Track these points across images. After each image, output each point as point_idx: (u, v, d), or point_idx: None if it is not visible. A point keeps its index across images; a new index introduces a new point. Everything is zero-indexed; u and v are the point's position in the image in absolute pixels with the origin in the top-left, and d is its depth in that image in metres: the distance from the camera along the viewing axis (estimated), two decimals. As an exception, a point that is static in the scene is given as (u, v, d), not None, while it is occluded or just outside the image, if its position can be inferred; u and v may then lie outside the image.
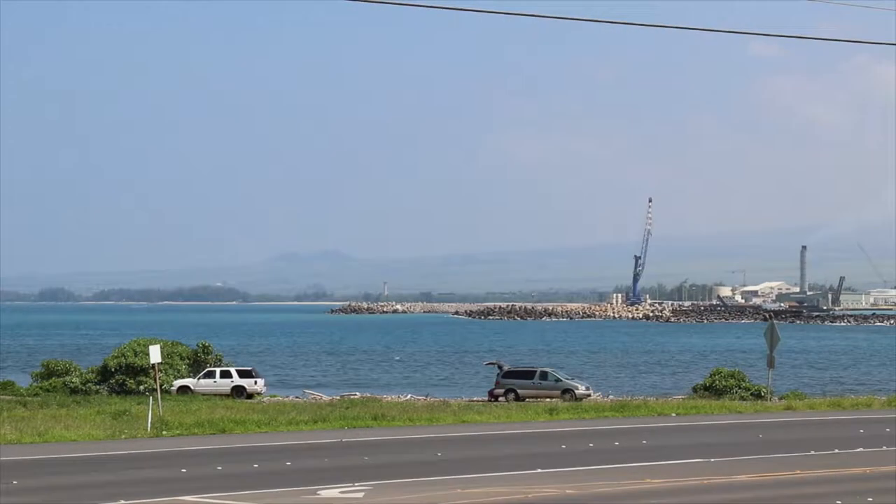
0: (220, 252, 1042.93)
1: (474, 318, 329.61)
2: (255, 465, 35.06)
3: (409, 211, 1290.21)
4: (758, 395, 64.49)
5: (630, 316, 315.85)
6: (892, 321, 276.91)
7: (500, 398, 66.14)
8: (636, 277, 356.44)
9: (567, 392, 65.60)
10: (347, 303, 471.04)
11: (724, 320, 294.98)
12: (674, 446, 40.87)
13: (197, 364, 70.17)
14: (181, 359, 69.39)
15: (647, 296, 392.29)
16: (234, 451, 38.93)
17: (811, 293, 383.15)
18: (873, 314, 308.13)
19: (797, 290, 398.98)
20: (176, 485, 31.03)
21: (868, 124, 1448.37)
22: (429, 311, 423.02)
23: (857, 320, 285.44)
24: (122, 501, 28.24)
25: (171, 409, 51.80)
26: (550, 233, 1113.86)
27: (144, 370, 64.30)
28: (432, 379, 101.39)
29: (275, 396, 70.37)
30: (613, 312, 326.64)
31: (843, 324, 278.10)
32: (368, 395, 71.73)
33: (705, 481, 32.04)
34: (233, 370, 69.79)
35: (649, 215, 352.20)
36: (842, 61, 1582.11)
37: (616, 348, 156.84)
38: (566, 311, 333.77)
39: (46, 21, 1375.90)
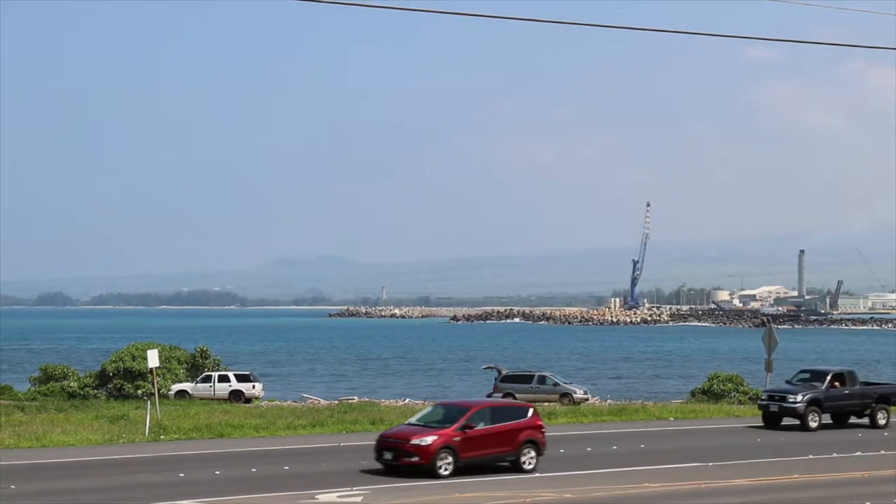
0: (218, 256, 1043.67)
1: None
2: (254, 470, 35.04)
3: (408, 215, 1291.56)
4: (756, 399, 64.39)
5: (628, 320, 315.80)
6: (890, 325, 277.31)
7: (498, 402, 66.09)
8: (634, 282, 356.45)
9: (565, 396, 65.51)
10: (346, 307, 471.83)
11: (721, 324, 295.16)
12: (672, 450, 40.87)
13: (195, 368, 70.09)
14: (179, 363, 69.31)
15: (645, 300, 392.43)
16: (232, 456, 38.89)
17: (809, 297, 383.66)
18: (871, 318, 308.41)
19: (795, 294, 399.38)
20: (174, 489, 31.00)
21: (865, 128, 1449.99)
22: (427, 316, 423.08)
23: (855, 324, 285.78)
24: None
25: (169, 413, 51.73)
26: (548, 237, 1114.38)
27: (142, 374, 64.22)
28: (430, 383, 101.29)
29: (273, 401, 70.28)
30: (611, 317, 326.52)
31: (841, 328, 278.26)
32: (366, 399, 71.66)
33: (704, 485, 32.05)
34: (231, 374, 69.68)
35: (647, 220, 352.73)
36: (837, 65, 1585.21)
37: (614, 353, 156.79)
38: (564, 316, 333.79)
39: (44, 22, 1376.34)
